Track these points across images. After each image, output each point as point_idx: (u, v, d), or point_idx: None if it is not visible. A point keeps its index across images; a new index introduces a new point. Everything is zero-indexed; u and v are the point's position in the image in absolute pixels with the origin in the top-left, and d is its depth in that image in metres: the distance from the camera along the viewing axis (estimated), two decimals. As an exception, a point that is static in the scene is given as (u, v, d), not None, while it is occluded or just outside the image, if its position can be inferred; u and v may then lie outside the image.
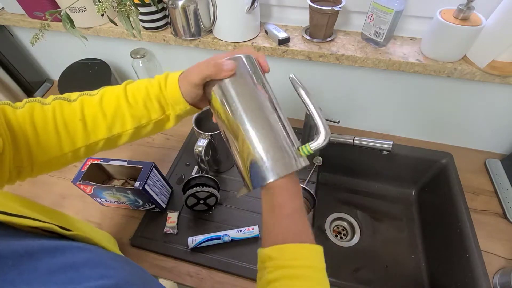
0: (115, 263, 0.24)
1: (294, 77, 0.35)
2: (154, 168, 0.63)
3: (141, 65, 0.82)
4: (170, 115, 0.40)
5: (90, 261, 0.22)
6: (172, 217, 0.68)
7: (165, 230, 0.66)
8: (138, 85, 0.39)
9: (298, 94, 0.35)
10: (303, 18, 0.70)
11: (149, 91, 0.38)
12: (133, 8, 0.57)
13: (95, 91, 0.39)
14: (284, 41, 0.67)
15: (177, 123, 0.42)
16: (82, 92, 0.39)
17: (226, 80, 0.34)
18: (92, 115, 0.37)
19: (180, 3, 0.65)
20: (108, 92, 0.38)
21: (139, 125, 0.39)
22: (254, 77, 0.35)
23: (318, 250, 0.32)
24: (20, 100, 0.36)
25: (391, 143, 0.69)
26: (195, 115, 0.68)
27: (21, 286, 0.18)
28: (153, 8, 0.69)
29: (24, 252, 0.19)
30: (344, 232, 0.86)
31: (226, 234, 0.63)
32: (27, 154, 0.35)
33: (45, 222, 0.25)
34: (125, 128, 0.38)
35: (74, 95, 0.38)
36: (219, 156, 0.75)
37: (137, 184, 0.59)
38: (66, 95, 0.38)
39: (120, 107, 0.37)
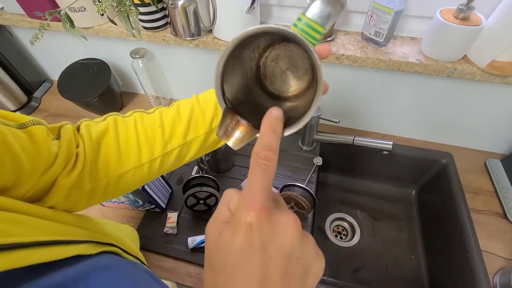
0: (133, 282, 0.25)
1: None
2: (154, 168, 0.63)
3: (141, 65, 0.82)
4: None
5: (109, 284, 0.23)
6: (172, 217, 0.68)
7: (165, 230, 0.66)
8: (209, 90, 0.41)
9: None
10: (303, 18, 0.70)
11: None
12: (133, 8, 0.57)
13: (171, 104, 0.41)
14: (284, 41, 0.67)
15: None
16: (158, 106, 0.41)
17: None
18: (170, 121, 0.38)
19: (180, 3, 0.65)
20: (183, 101, 0.41)
21: (209, 129, 0.39)
22: None
23: None
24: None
25: (391, 143, 0.69)
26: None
27: None
28: (153, 8, 0.69)
29: (49, 284, 0.20)
30: (344, 232, 0.86)
31: (226, 234, 0.63)
32: (105, 166, 0.34)
33: (76, 242, 0.25)
34: (197, 133, 0.39)
35: (151, 109, 0.40)
36: (219, 156, 0.75)
37: (137, 184, 0.59)
38: (143, 109, 0.40)
39: (194, 111, 0.39)
